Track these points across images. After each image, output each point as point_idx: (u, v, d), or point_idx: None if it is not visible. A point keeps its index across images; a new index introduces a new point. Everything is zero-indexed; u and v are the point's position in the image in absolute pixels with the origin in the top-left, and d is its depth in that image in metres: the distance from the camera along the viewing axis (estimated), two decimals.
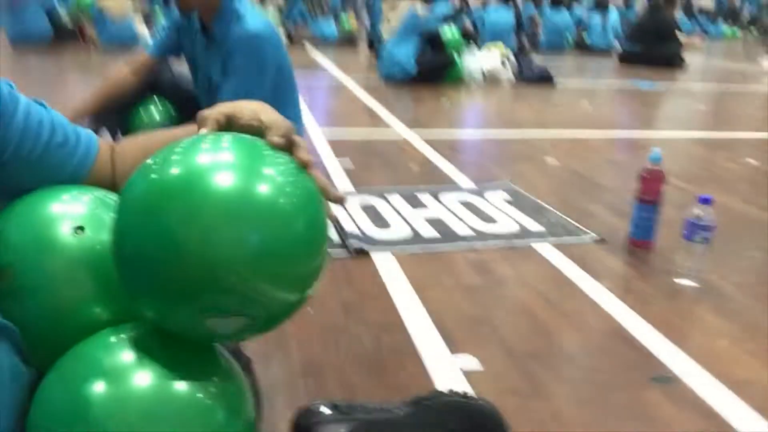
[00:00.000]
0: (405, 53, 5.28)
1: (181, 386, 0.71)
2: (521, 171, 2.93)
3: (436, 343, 1.46)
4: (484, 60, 5.77)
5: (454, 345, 1.45)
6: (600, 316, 1.63)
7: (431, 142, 3.36)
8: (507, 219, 2.28)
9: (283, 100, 2.11)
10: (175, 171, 0.65)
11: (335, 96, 5.00)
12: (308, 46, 8.03)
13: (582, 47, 9.53)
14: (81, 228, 0.77)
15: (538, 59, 6.47)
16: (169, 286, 0.64)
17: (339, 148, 3.16)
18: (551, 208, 2.39)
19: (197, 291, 0.63)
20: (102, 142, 0.88)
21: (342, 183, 2.60)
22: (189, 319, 0.67)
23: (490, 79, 5.73)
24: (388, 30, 5.52)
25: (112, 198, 0.83)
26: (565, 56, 8.77)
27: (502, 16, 7.54)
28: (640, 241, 2.06)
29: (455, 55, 5.51)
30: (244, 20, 1.96)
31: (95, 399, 0.67)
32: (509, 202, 2.47)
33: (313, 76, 5.74)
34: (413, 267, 1.86)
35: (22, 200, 0.79)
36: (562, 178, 2.89)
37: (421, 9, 5.39)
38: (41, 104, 0.82)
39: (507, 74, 5.79)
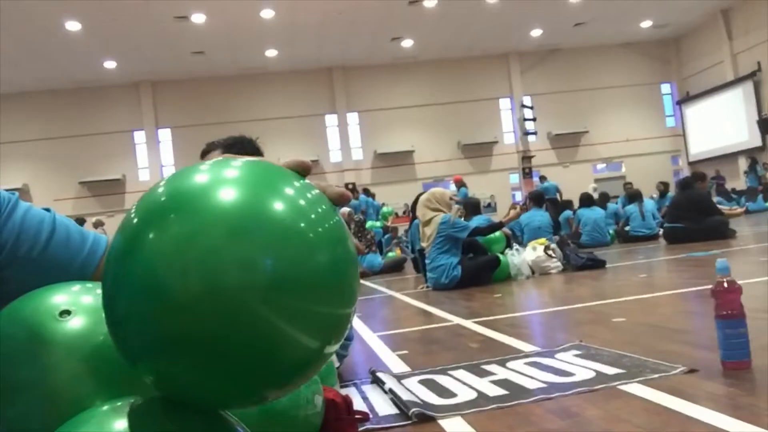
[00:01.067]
0: (447, 259, 5.34)
1: None
2: (589, 332, 2.74)
3: None
4: (528, 254, 5.77)
5: None
6: None
7: (489, 324, 3.22)
8: (582, 370, 2.07)
9: None
10: (168, 191, 0.58)
11: (387, 306, 4.96)
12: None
13: (625, 237, 9.53)
14: (67, 312, 0.71)
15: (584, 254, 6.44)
16: (162, 328, 0.54)
17: (395, 342, 3.04)
18: (630, 354, 2.17)
19: (197, 322, 0.52)
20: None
21: (399, 368, 2.44)
22: (192, 370, 0.55)
23: (539, 272, 5.67)
24: (428, 243, 5.65)
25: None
26: (610, 248, 8.75)
27: (537, 218, 7.72)
28: (734, 362, 1.82)
29: (499, 255, 5.55)
30: None
31: None
32: (582, 357, 2.26)
33: (362, 295, 5.78)
34: (486, 424, 1.65)
35: (16, 300, 0.74)
36: (634, 332, 2.68)
37: (454, 214, 5.55)
38: (47, 209, 0.81)
39: (554, 263, 5.73)
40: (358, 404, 1.93)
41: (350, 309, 0.61)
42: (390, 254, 9.67)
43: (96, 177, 17.56)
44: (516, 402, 1.80)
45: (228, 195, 0.55)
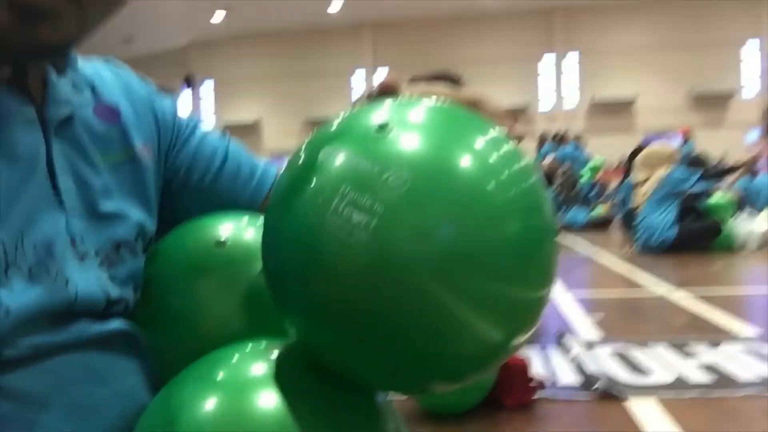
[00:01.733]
0: (662, 218, 4.84)
1: (315, 418, 0.52)
2: None
3: None
4: (761, 224, 5.07)
5: None
6: None
7: (703, 298, 2.87)
8: None
9: None
10: (339, 130, 0.49)
11: (585, 265, 4.68)
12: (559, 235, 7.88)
13: None
14: (222, 243, 0.68)
15: None
16: (315, 294, 0.47)
17: (590, 305, 2.85)
18: None
19: (354, 292, 0.45)
20: None
21: (589, 334, 2.27)
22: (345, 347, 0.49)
23: None
24: (639, 200, 5.18)
25: None
26: None
27: None
28: None
29: (722, 221, 4.94)
30: None
31: (201, 423, 0.52)
32: None
33: (562, 254, 5.52)
34: (683, 413, 1.45)
35: (180, 225, 0.73)
36: None
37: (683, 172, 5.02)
38: (223, 134, 0.80)
39: None
40: (539, 369, 1.81)
41: (544, 292, 0.50)
42: (596, 210, 9.13)
43: (317, 114, 18.70)
44: (722, 394, 1.57)
45: (407, 144, 0.46)
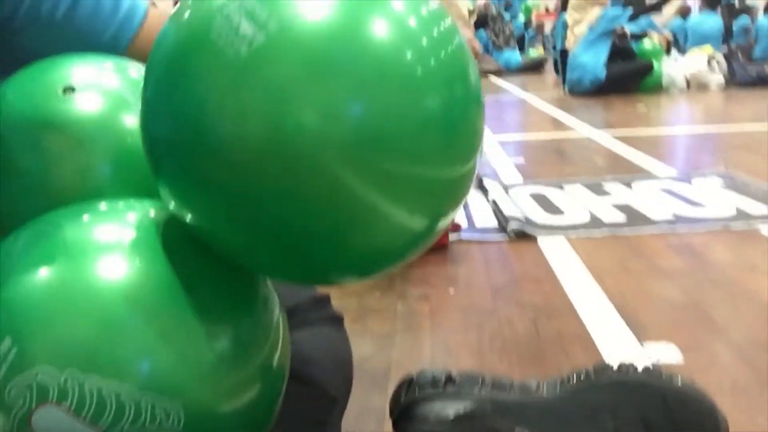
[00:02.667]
0: (593, 58, 4.78)
1: (177, 289, 0.45)
2: (739, 159, 2.37)
3: (618, 330, 1.07)
4: (688, 65, 5.09)
5: (643, 332, 1.05)
6: None
7: (624, 138, 2.88)
8: (721, 203, 1.79)
9: None
10: None
11: (514, 108, 4.67)
12: (492, 78, 7.81)
13: None
14: (71, 89, 0.57)
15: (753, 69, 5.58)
16: (205, 178, 0.40)
17: (512, 148, 2.83)
18: None
19: (252, 179, 0.39)
20: (153, 9, 0.69)
21: (511, 177, 2.26)
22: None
23: (696, 85, 5.03)
24: (572, 42, 5.09)
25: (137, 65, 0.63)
26: None
27: (708, 23, 6.73)
28: None
29: (653, 62, 4.93)
30: None
31: (31, 293, 0.44)
32: (724, 187, 1.96)
33: (492, 94, 5.47)
34: (591, 251, 1.47)
35: (24, 69, 0.61)
36: None
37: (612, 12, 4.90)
38: None
39: (716, 78, 5.04)
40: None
41: (467, 168, 0.43)
42: (530, 53, 9.01)
43: None
44: (632, 231, 1.59)
45: (311, 9, 0.38)
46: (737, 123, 3.35)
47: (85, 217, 0.49)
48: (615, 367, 0.68)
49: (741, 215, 1.66)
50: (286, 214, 0.39)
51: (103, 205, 0.51)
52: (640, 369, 0.67)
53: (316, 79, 0.36)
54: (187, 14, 0.41)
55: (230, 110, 0.37)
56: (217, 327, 0.46)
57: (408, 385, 0.71)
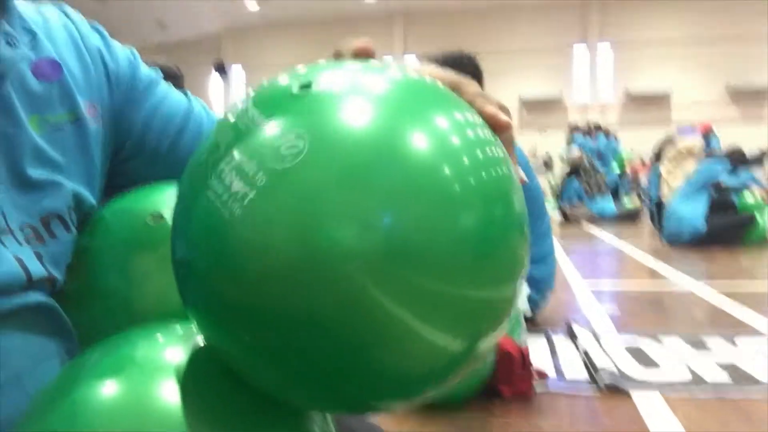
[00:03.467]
0: (693, 209, 4.67)
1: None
2: None
3: None
4: None
5: None
6: None
7: (725, 291, 2.73)
8: None
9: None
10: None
11: (608, 256, 4.54)
12: (585, 224, 7.73)
13: None
14: (160, 216, 0.61)
15: None
16: (223, 292, 0.39)
17: (605, 297, 2.73)
18: None
19: (273, 293, 0.37)
20: None
21: (601, 324, 2.16)
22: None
23: None
24: (667, 193, 5.01)
25: None
26: None
27: None
28: None
29: (756, 215, 4.75)
30: None
31: (100, 409, 0.45)
32: None
33: (584, 241, 5.38)
34: (693, 413, 1.35)
35: (123, 193, 0.66)
36: None
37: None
38: (184, 92, 0.72)
39: None
40: (545, 359, 1.72)
41: (506, 292, 0.42)
42: (626, 202, 8.91)
43: None
44: (739, 396, 1.46)
45: (352, 114, 0.39)
46: None
47: (159, 337, 0.51)
48: None
49: None
50: (315, 335, 0.37)
51: (178, 328, 0.52)
52: None
53: (347, 185, 0.37)
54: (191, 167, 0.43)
55: (254, 218, 0.37)
56: None
57: None
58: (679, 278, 3.21)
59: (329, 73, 0.41)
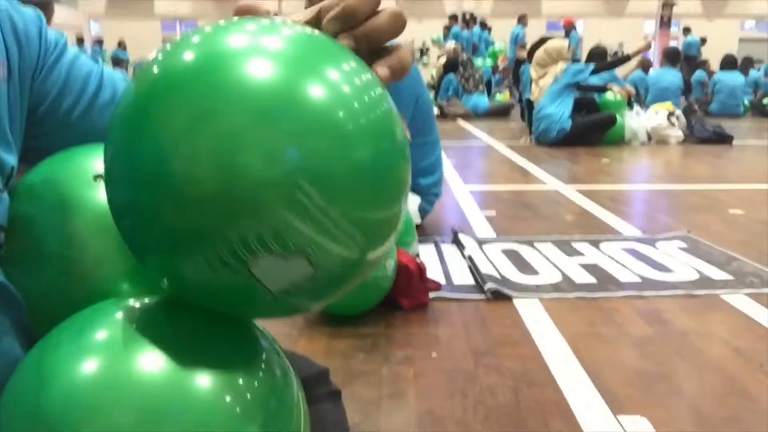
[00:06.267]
0: (559, 110, 4.97)
1: (199, 380, 0.49)
2: (700, 222, 2.49)
3: (594, 400, 1.13)
4: (648, 119, 5.31)
5: (617, 404, 1.11)
6: None
7: (589, 194, 3.00)
8: (684, 267, 1.88)
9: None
10: (186, 56, 0.46)
11: (483, 156, 4.78)
12: (460, 122, 7.99)
13: (761, 111, 8.62)
14: (101, 176, 0.61)
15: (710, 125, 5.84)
16: (168, 223, 0.45)
17: (484, 200, 2.92)
18: (742, 258, 1.95)
19: (207, 218, 0.45)
20: None
21: (484, 231, 2.33)
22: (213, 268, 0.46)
23: (656, 139, 5.24)
24: (537, 93, 5.26)
25: None
26: (741, 120, 7.94)
27: (668, 78, 7.02)
28: None
29: (617, 114, 5.13)
30: None
31: (77, 386, 0.48)
32: (687, 251, 2.06)
33: (461, 140, 5.60)
34: (565, 314, 1.54)
35: (51, 157, 0.65)
36: (752, 230, 2.41)
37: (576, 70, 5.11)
38: (95, 60, 0.70)
39: (675, 132, 5.26)
40: (435, 266, 1.85)
41: (394, 211, 0.51)
42: (497, 97, 9.24)
43: None
44: (602, 294, 1.67)
45: (258, 69, 0.45)
46: (697, 183, 3.51)
47: (117, 314, 0.53)
48: None
49: (703, 280, 1.76)
50: (238, 249, 0.44)
51: (132, 302, 0.54)
52: None
53: (259, 126, 0.43)
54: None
55: (184, 156, 0.43)
56: (252, 410, 0.50)
57: None
58: (549, 180, 3.47)
59: (230, 33, 0.47)
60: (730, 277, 1.79)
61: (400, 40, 0.56)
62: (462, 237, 2.10)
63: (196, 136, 0.43)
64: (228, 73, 0.44)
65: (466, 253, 1.94)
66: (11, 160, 0.60)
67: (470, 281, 1.76)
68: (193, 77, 0.44)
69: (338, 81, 0.48)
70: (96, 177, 0.61)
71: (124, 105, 0.47)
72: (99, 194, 0.61)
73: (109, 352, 0.49)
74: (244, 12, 0.53)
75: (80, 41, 13.05)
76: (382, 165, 0.49)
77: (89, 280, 0.59)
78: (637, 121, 5.23)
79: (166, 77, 0.46)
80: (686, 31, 13.95)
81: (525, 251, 2.05)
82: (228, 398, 0.49)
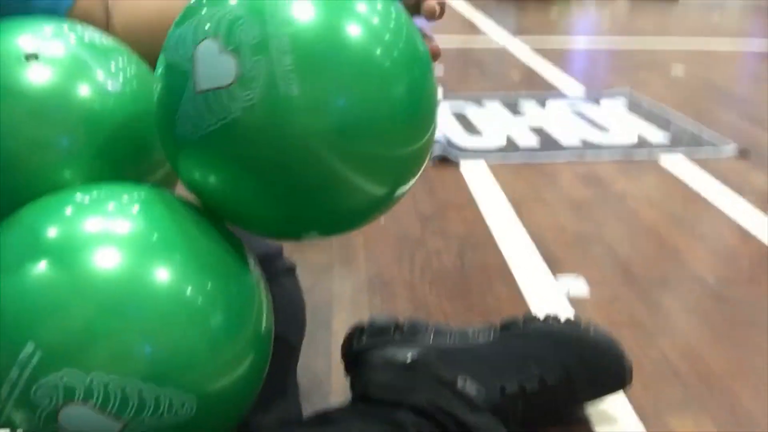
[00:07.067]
0: None
1: (158, 272, 0.50)
2: (643, 79, 2.52)
3: (535, 262, 1.19)
4: None
5: (556, 265, 1.18)
6: (742, 239, 1.30)
7: (537, 50, 2.97)
8: (624, 128, 1.93)
9: None
10: None
11: None
12: None
13: None
14: (34, 56, 0.56)
15: None
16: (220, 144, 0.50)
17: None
18: (680, 119, 2.01)
19: (257, 148, 0.50)
20: None
21: None
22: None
23: None
24: None
25: (98, 38, 0.62)
26: None
27: None
28: None
29: None
30: None
31: (29, 285, 0.48)
32: (630, 110, 2.10)
33: None
34: (509, 178, 1.58)
35: None
36: (692, 89, 2.46)
37: None
38: None
39: None
40: None
41: (426, 141, 0.54)
42: None
43: None
44: (546, 160, 1.70)
45: (297, 11, 0.48)
46: (641, 37, 3.50)
47: (68, 210, 0.52)
48: (541, 318, 0.79)
49: (642, 143, 1.81)
50: (282, 180, 0.49)
51: (80, 196, 0.53)
52: (562, 320, 0.78)
53: (308, 75, 0.47)
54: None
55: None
56: (212, 300, 0.51)
57: (359, 333, 0.79)
58: (497, 34, 3.40)
59: None
60: (667, 139, 1.84)
61: None
62: None
63: (262, 101, 0.49)
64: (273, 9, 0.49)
65: None
66: None
67: None
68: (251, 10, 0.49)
69: (368, 12, 0.49)
70: (28, 56, 0.57)
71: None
72: (31, 75, 0.56)
73: (62, 249, 0.49)
74: None
75: None
76: (418, 96, 0.50)
77: (23, 167, 0.56)
78: None
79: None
80: None
81: (472, 111, 2.04)
82: (189, 288, 0.50)
